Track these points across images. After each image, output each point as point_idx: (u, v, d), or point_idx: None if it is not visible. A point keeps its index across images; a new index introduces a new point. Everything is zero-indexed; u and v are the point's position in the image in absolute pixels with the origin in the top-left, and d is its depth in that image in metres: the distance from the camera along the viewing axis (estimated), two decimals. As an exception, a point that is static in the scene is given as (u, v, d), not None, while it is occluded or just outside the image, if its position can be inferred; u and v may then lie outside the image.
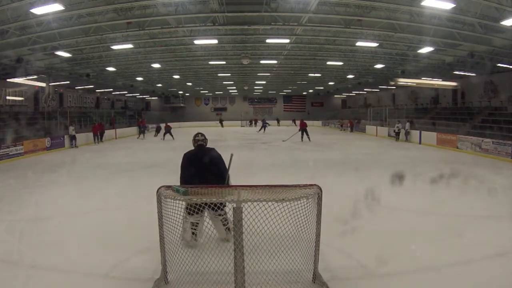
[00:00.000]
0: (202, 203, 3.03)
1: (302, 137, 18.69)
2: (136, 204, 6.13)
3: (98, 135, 19.37)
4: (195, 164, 3.92)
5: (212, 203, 2.94)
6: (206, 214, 3.64)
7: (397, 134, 19.11)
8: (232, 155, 4.17)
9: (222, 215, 3.75)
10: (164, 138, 20.90)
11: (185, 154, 4.11)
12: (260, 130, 27.63)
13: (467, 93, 20.82)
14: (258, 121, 36.75)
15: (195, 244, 3.78)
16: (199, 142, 4.18)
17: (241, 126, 37.72)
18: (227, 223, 3.82)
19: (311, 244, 3.12)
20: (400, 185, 7.73)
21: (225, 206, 3.31)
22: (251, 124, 38.09)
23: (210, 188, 3.23)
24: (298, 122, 24.85)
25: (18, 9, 9.64)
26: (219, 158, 4.05)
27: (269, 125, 30.77)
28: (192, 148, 4.27)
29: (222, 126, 37.48)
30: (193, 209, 3.22)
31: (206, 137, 4.30)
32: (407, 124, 18.74)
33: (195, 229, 3.74)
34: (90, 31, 11.98)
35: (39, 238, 4.54)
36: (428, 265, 3.64)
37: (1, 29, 10.71)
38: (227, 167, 4.09)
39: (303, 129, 18.89)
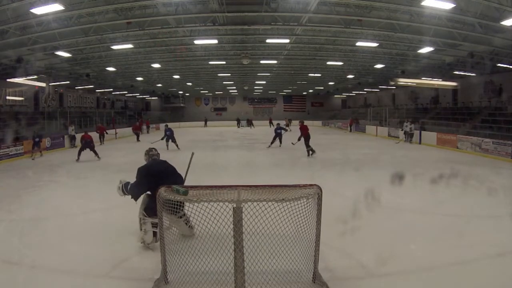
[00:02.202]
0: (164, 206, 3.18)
1: (308, 151, 12.49)
2: (136, 204, 6.12)
3: (104, 136, 18.80)
4: (157, 175, 4.12)
5: (170, 208, 3.11)
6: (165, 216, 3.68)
7: (411, 135, 17.53)
8: (192, 153, 4.68)
9: (182, 216, 3.89)
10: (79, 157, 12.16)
11: (143, 168, 4.26)
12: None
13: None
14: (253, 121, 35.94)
15: (154, 247, 3.97)
16: (154, 156, 4.47)
17: (242, 127, 37.35)
18: (189, 221, 3.98)
19: (311, 244, 3.13)
20: (400, 185, 7.73)
21: (183, 206, 3.43)
22: (246, 124, 35.88)
23: (210, 188, 3.23)
24: (279, 123, 17.65)
25: (18, 9, 9.65)
26: (173, 167, 4.38)
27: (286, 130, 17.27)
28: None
29: (205, 125, 38.65)
30: (152, 211, 3.38)
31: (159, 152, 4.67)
32: (407, 124, 18.60)
33: (156, 230, 3.90)
34: (90, 31, 11.98)
35: (39, 238, 4.55)
36: (428, 265, 3.64)
37: (1, 29, 10.71)
38: (187, 166, 4.56)
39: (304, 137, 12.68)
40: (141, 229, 4.17)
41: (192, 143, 19.04)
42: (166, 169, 4.27)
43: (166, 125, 16.42)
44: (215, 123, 39.60)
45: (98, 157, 12.22)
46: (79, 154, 12.03)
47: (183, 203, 3.41)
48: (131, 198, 4.21)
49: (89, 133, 13.07)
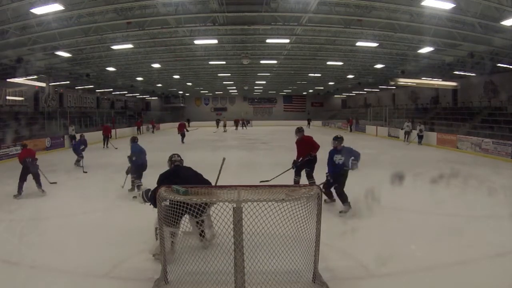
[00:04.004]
0: (183, 211, 3.08)
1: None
2: (136, 204, 6.12)
3: (109, 137, 17.35)
4: (182, 181, 3.68)
5: (192, 212, 3.04)
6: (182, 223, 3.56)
7: (421, 137, 16.78)
8: (224, 159, 4.49)
9: (200, 222, 3.73)
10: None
11: (164, 172, 4.05)
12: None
13: None
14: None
15: (172, 259, 3.53)
16: (176, 162, 4.27)
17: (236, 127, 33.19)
18: (203, 227, 3.79)
19: (311, 244, 3.13)
20: (400, 185, 7.72)
21: (205, 212, 3.33)
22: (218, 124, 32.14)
23: (210, 188, 3.23)
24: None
25: (18, 9, 9.64)
26: (200, 174, 4.15)
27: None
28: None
29: (188, 125, 38.03)
30: (170, 220, 3.23)
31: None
32: (409, 124, 18.50)
33: (173, 240, 3.68)
34: (90, 31, 11.98)
35: (39, 238, 4.55)
36: (428, 265, 3.64)
37: (1, 29, 10.70)
38: (218, 171, 4.39)
39: (309, 160, 7.27)
40: (156, 239, 3.82)
41: (192, 143, 19.04)
42: (191, 176, 3.98)
43: (133, 139, 7.98)
44: (213, 123, 39.46)
45: (41, 190, 7.05)
46: (20, 186, 6.90)
47: (206, 208, 3.27)
48: (152, 205, 3.86)
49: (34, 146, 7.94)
